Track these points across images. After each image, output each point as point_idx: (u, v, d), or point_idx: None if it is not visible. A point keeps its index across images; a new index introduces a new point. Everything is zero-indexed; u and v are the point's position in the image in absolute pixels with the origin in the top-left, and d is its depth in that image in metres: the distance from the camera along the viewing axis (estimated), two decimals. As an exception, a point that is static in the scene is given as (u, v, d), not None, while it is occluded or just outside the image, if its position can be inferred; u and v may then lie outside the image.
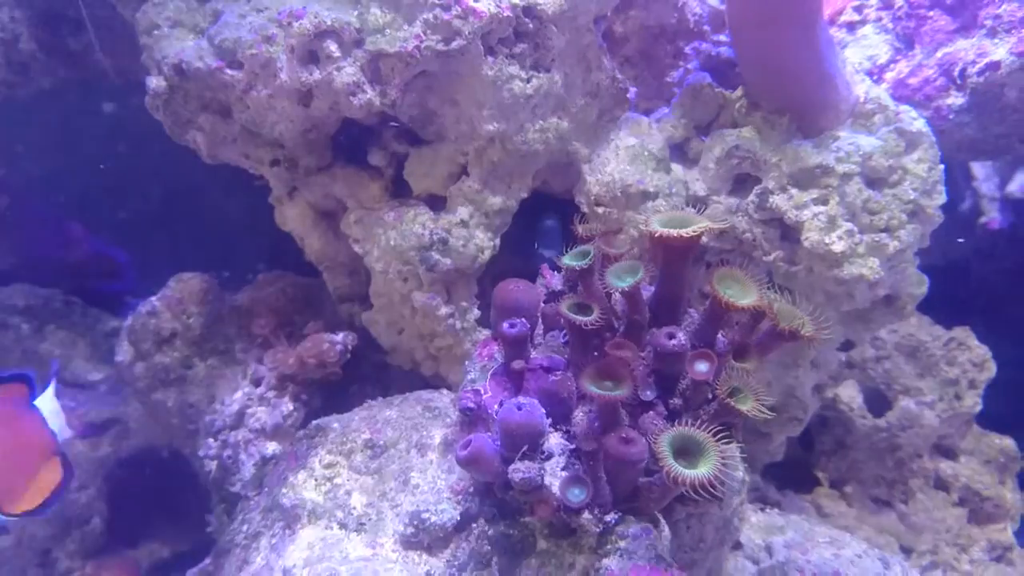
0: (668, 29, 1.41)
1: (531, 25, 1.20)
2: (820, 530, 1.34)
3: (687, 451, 0.95)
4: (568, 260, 1.08)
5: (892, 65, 1.61)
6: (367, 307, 1.63)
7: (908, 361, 1.76)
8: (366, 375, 1.67)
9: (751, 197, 1.28)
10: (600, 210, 1.33)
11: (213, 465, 1.45)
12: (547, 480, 0.99)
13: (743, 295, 1.02)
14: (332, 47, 1.16)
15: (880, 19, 1.65)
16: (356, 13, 1.17)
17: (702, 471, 0.90)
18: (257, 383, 1.53)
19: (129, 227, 2.33)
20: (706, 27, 1.42)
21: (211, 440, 1.47)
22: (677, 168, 1.34)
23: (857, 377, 1.80)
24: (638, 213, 1.30)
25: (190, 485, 2.25)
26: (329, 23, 1.15)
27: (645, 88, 1.43)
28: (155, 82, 1.33)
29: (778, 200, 1.25)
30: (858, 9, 1.70)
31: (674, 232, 1.00)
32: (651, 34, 1.41)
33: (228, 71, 1.22)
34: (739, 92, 1.32)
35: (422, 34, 1.15)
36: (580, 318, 1.02)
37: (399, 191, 1.43)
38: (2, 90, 1.89)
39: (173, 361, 1.64)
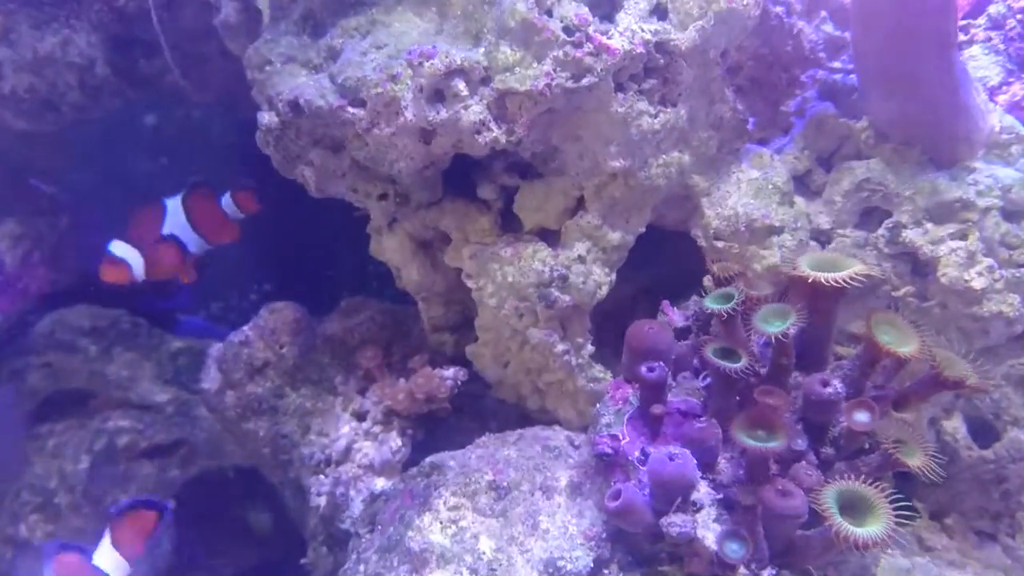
0: (783, 57, 1.37)
1: (662, 60, 1.17)
2: (950, 575, 1.29)
3: (848, 504, 0.92)
4: (711, 303, 1.06)
5: (1005, 87, 1.56)
6: (460, 337, 1.61)
7: (1017, 391, 1.70)
8: (463, 406, 1.65)
9: (881, 231, 1.25)
10: (719, 244, 1.30)
11: (322, 501, 1.44)
12: (699, 533, 0.96)
13: (901, 342, 0.98)
14: (460, 86, 1.14)
15: (989, 39, 1.60)
16: (483, 51, 1.15)
17: (875, 530, 0.87)
18: (361, 417, 1.51)
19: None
20: (821, 54, 1.38)
21: (322, 476, 1.45)
22: (800, 201, 1.30)
23: (961, 407, 1.75)
24: (762, 248, 1.27)
25: (255, 506, 2.25)
26: (459, 62, 1.13)
27: (759, 117, 1.40)
28: (267, 117, 1.32)
29: (912, 235, 1.21)
30: (964, 29, 1.65)
31: (829, 277, 0.97)
32: (765, 62, 1.38)
33: (350, 109, 1.21)
34: (864, 122, 1.28)
35: (552, 72, 1.12)
36: (729, 365, 0.99)
37: (507, 224, 1.41)
38: (73, 113, 1.89)
39: (265, 391, 1.63)
